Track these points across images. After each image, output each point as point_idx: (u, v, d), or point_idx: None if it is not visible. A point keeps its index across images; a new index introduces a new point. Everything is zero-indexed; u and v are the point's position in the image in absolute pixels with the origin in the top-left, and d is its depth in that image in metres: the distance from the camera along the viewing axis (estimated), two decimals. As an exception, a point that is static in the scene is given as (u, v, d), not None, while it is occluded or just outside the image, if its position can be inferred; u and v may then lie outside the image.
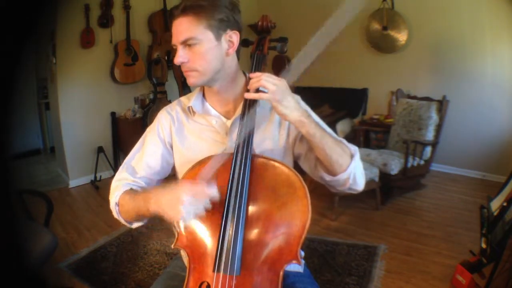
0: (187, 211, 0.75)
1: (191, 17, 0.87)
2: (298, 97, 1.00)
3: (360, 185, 0.95)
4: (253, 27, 1.03)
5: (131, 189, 0.96)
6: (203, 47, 0.89)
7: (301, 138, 1.00)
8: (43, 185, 3.86)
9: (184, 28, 0.87)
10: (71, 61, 3.64)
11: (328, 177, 0.93)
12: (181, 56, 0.89)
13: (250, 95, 0.86)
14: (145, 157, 1.03)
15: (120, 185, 0.98)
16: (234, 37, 0.93)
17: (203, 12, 0.87)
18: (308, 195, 0.83)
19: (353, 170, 0.91)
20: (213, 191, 0.79)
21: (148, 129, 1.08)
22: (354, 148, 0.94)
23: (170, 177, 1.06)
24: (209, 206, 0.78)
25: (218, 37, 0.90)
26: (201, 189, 0.78)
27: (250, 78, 0.88)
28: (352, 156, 0.92)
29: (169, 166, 1.06)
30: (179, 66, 0.92)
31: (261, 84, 0.83)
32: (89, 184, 3.88)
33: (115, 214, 0.97)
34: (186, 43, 0.88)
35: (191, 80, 0.93)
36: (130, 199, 0.91)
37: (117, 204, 0.95)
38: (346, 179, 0.91)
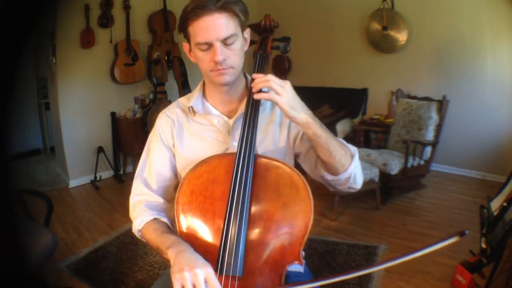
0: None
1: (231, 13, 0.86)
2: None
3: (359, 184, 0.97)
4: (255, 26, 1.03)
5: (155, 218, 0.97)
6: (239, 44, 0.90)
7: (302, 137, 1.00)
8: (43, 185, 3.86)
9: (224, 24, 0.86)
10: (71, 61, 3.64)
11: (329, 177, 0.93)
12: (222, 54, 0.86)
13: (260, 96, 0.85)
14: (154, 166, 1.03)
15: (141, 206, 0.99)
16: (248, 34, 0.95)
17: (237, 8, 0.87)
18: (311, 195, 0.83)
19: (354, 169, 0.92)
20: None
21: (150, 137, 1.07)
22: (353, 149, 0.95)
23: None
24: None
25: (242, 34, 0.92)
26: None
27: (253, 79, 0.87)
28: (352, 156, 0.93)
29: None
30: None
31: (269, 85, 0.83)
32: (89, 184, 3.88)
33: (138, 237, 0.99)
34: (225, 41, 0.87)
35: (226, 78, 0.91)
36: (153, 233, 0.92)
37: (140, 231, 0.97)
38: (347, 178, 0.92)
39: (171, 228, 0.97)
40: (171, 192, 1.05)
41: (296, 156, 1.04)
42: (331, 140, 0.87)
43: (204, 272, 0.73)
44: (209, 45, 0.87)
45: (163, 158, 1.02)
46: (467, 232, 0.62)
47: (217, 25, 0.85)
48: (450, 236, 0.64)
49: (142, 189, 1.01)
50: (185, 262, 0.74)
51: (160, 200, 1.01)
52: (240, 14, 0.88)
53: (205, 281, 0.73)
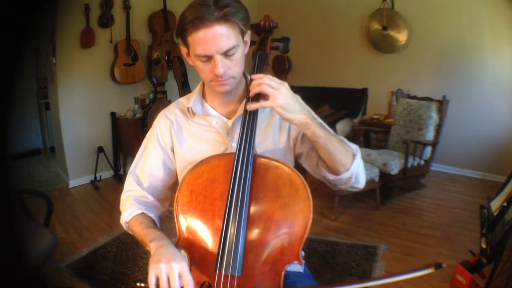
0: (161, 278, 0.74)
1: (232, 24, 0.83)
2: (297, 97, 1.00)
3: (361, 183, 0.96)
4: (254, 27, 1.03)
5: (143, 213, 0.98)
6: (239, 54, 0.88)
7: (302, 137, 1.00)
8: (43, 185, 3.86)
9: (225, 36, 0.82)
10: (71, 61, 3.64)
11: (331, 176, 0.93)
12: (222, 67, 0.85)
13: (252, 107, 0.84)
14: (146, 165, 1.03)
15: (131, 200, 1.01)
16: (248, 36, 0.92)
17: (238, 18, 0.83)
18: (310, 195, 0.83)
19: (356, 169, 0.91)
20: None
21: (147, 135, 1.07)
22: (355, 147, 0.94)
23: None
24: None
25: (243, 39, 0.89)
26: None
27: (251, 80, 0.86)
28: (354, 155, 0.92)
29: (172, 171, 1.06)
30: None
31: (262, 90, 0.82)
32: (89, 184, 3.88)
33: (125, 228, 1.01)
34: (226, 53, 0.84)
35: (227, 88, 0.91)
36: (139, 226, 0.94)
37: (127, 223, 0.98)
38: (349, 177, 0.92)
39: (158, 224, 0.99)
40: (164, 192, 1.06)
41: (298, 157, 1.03)
42: (332, 140, 0.87)
43: (179, 266, 0.75)
44: (209, 58, 0.85)
45: (156, 159, 1.03)
46: (443, 265, 0.65)
47: (217, 38, 0.82)
48: (426, 267, 0.67)
49: (133, 186, 1.03)
50: (163, 255, 0.77)
51: (150, 198, 1.03)
52: (241, 24, 0.85)
53: (180, 276, 0.75)
